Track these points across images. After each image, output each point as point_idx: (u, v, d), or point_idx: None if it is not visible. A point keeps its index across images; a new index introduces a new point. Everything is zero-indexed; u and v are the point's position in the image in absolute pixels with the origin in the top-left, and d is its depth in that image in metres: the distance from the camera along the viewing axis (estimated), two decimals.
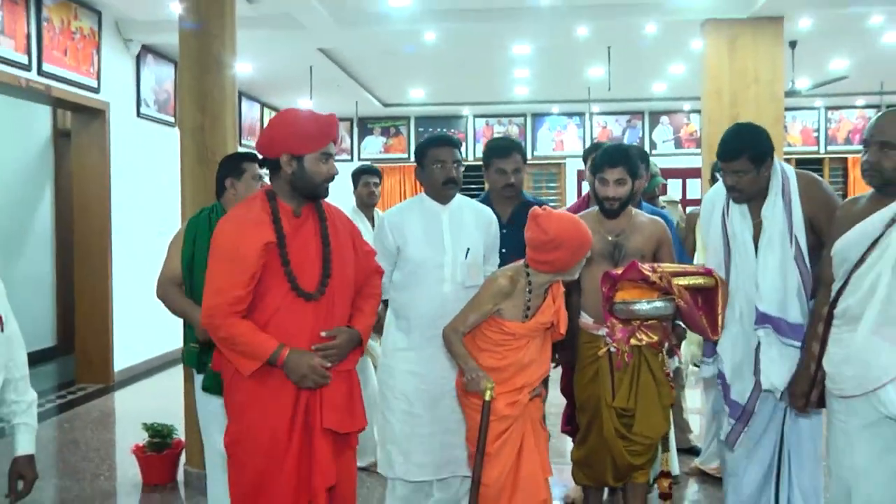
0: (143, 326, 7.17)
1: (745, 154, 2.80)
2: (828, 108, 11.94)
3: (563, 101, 11.34)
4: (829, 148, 12.06)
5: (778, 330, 2.81)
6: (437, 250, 3.05)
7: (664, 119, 12.04)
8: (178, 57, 5.06)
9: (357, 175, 4.66)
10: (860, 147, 2.73)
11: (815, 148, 12.08)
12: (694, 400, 5.48)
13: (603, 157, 3.13)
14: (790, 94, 8.13)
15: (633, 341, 2.99)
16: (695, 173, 9.27)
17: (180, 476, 4.24)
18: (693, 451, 4.46)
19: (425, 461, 3.06)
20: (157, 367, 7.46)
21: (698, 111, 8.44)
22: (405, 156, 12.11)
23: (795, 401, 2.74)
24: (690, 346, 4.05)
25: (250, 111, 10.42)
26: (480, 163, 3.57)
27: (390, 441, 3.11)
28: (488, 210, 3.24)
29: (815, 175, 2.98)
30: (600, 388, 3.07)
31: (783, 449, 2.99)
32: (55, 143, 8.04)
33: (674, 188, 10.80)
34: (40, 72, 5.82)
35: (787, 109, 10.16)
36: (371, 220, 4.52)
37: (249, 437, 2.38)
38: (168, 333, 7.32)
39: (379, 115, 12.06)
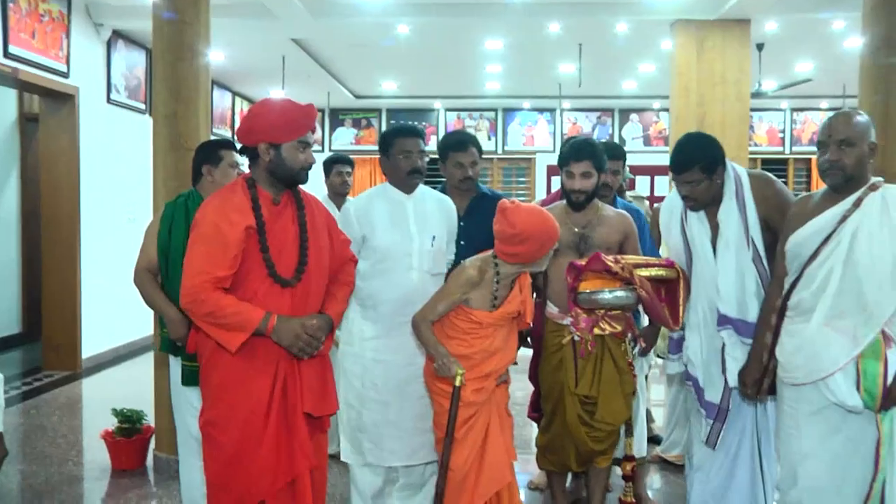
0: (111, 314, 7.14)
1: (696, 164, 2.87)
2: (793, 110, 12.19)
3: (534, 96, 11.44)
4: (795, 148, 12.31)
5: (738, 330, 2.89)
6: (405, 238, 3.10)
7: (634, 116, 12.20)
8: (149, 43, 5.03)
9: (329, 164, 4.70)
10: None
11: (780, 148, 12.33)
12: (658, 392, 5.62)
13: (570, 151, 3.21)
14: (756, 95, 8.29)
15: (596, 330, 3.07)
16: (663, 170, 9.43)
17: (149, 461, 4.26)
18: (655, 440, 4.59)
19: (396, 447, 3.10)
20: (124, 356, 7.42)
21: (668, 109, 8.57)
22: (376, 148, 12.05)
23: (746, 389, 2.85)
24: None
25: (222, 100, 10.37)
26: None
27: (358, 429, 3.13)
28: (448, 200, 3.31)
29: (768, 174, 3.04)
30: (564, 376, 3.15)
31: (760, 440, 3.05)
32: (21, 127, 7.94)
33: (642, 185, 10.94)
34: (6, 54, 5.73)
35: (754, 110, 10.32)
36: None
37: (227, 417, 2.41)
38: (136, 321, 7.33)
39: (350, 107, 12.07)
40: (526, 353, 3.58)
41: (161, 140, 4.13)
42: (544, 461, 3.35)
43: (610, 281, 2.99)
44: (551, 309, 3.25)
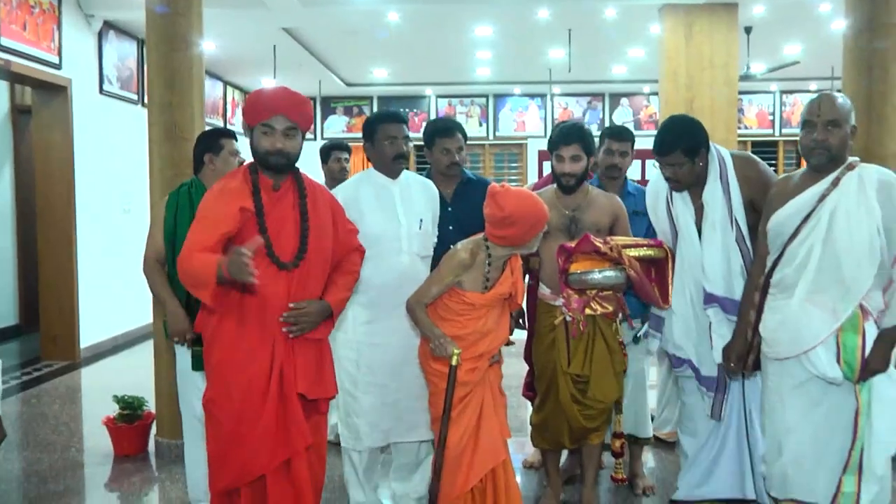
0: (109, 303, 7.20)
1: (679, 147, 2.95)
2: (783, 92, 12.25)
3: (524, 82, 11.47)
4: (784, 131, 12.38)
5: (724, 308, 2.98)
6: (393, 223, 3.16)
7: (624, 101, 12.25)
8: (140, 34, 5.01)
9: (327, 150, 4.74)
10: None
11: (770, 131, 12.40)
12: (650, 373, 5.69)
13: (559, 135, 3.27)
14: (745, 78, 8.35)
15: (587, 311, 3.14)
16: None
17: (151, 447, 4.34)
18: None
19: (393, 426, 3.19)
20: (123, 344, 7.48)
21: (657, 93, 8.63)
22: None
23: (730, 364, 2.94)
24: None
25: (214, 89, 10.37)
26: None
27: (355, 414, 3.19)
28: (431, 183, 3.38)
29: (751, 155, 3.12)
30: (557, 356, 3.22)
31: (746, 410, 3.15)
32: (14, 119, 7.96)
33: (633, 168, 11.02)
34: None
35: (744, 93, 10.33)
36: None
37: (225, 395, 2.49)
38: (134, 311, 7.38)
39: (342, 95, 12.08)
40: (521, 336, 3.67)
41: (156, 130, 4.18)
42: (539, 439, 3.42)
43: (599, 262, 3.06)
44: (543, 290, 3.32)
